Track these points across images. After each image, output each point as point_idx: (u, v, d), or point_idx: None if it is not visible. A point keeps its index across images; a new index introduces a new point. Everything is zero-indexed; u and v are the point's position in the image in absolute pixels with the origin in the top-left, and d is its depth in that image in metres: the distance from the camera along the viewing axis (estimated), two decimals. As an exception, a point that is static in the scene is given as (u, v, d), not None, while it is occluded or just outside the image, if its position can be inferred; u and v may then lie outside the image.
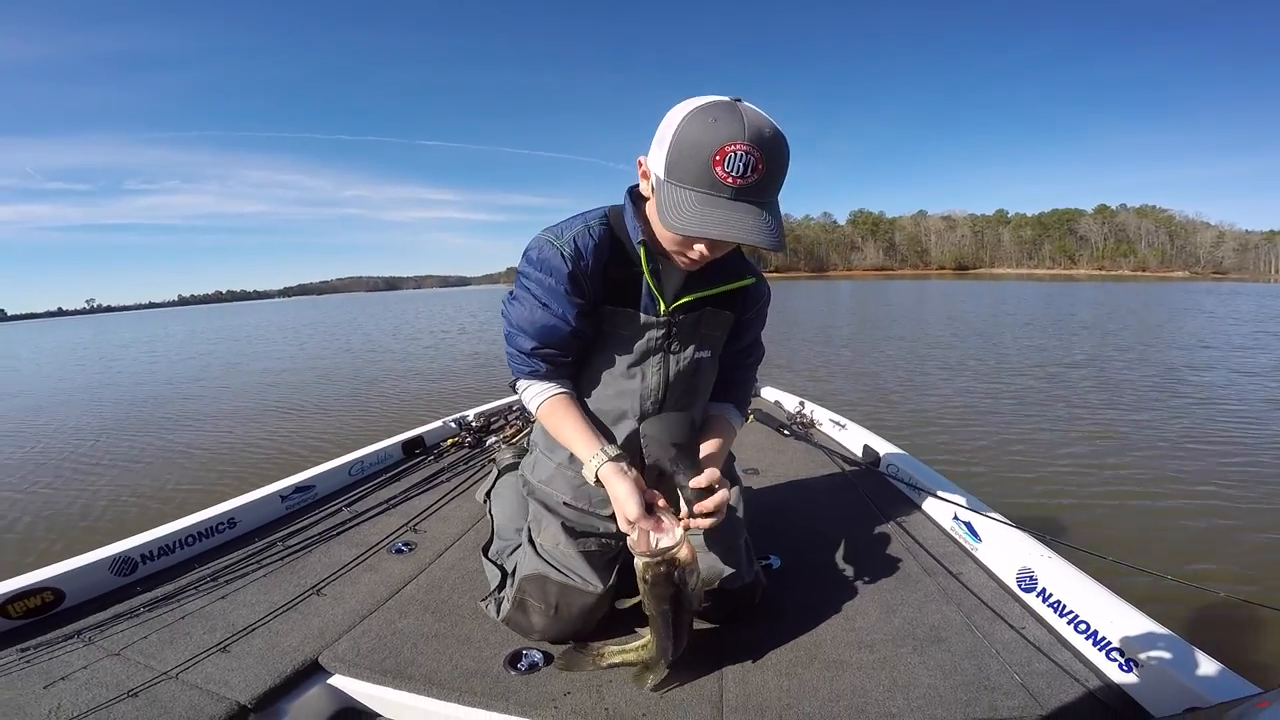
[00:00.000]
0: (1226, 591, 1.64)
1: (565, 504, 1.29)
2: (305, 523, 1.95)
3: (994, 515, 1.63)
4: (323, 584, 1.54)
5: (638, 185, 1.10)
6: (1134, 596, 1.25)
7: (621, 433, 1.21)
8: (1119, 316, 16.60)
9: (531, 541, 1.30)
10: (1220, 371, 7.67)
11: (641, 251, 1.09)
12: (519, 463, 1.57)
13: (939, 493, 1.83)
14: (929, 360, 9.05)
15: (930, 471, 2.04)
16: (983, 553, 1.59)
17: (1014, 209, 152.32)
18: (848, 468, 2.32)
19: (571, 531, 1.27)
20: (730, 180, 0.88)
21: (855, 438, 2.58)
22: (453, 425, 2.86)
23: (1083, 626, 1.21)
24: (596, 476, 1.11)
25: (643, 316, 1.15)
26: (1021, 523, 1.57)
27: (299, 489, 2.10)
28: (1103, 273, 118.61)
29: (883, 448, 2.34)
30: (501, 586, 1.37)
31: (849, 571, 1.56)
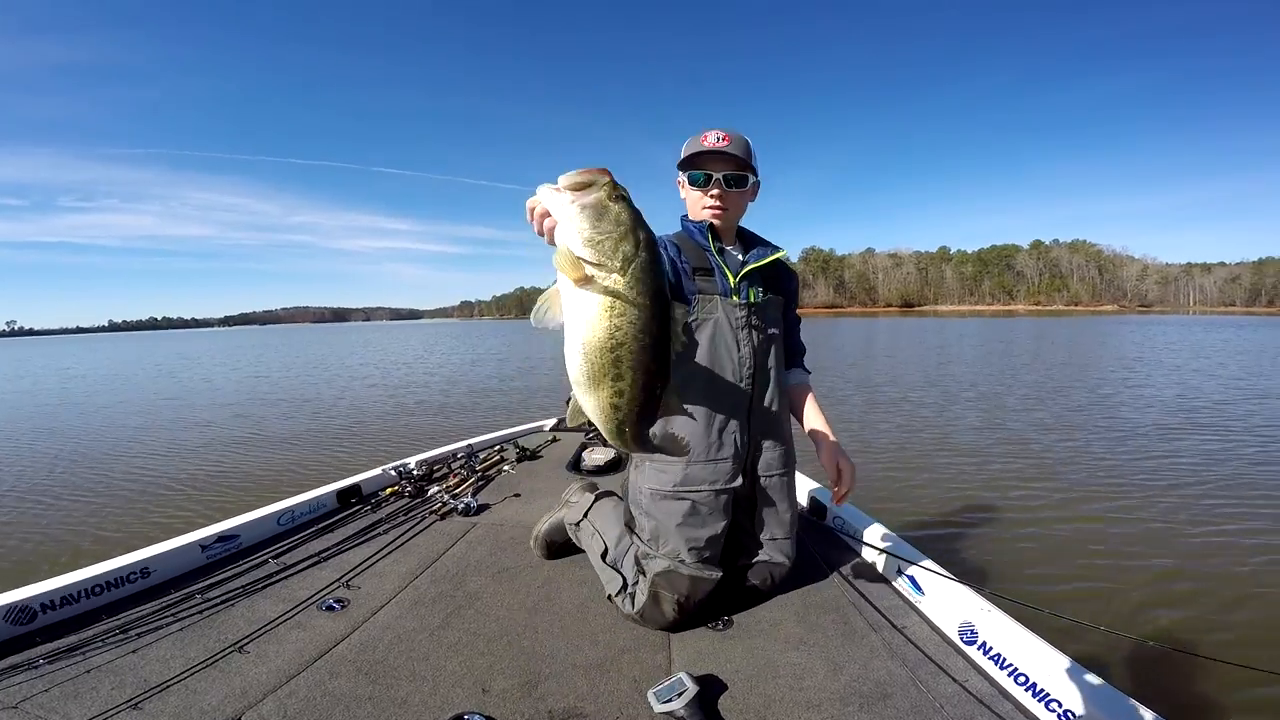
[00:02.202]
0: (1157, 641, 1.98)
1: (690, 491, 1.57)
2: (228, 574, 1.85)
3: (935, 568, 1.65)
4: (246, 640, 1.48)
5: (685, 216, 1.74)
6: (1072, 647, 1.34)
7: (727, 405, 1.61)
8: (1067, 357, 16.79)
9: (652, 551, 1.57)
10: (1163, 416, 7.43)
11: (709, 236, 1.65)
12: (613, 491, 1.97)
13: (883, 545, 1.85)
14: (877, 406, 8.65)
15: (875, 523, 2.00)
16: (925, 605, 1.60)
17: (955, 245, 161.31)
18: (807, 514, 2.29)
19: (690, 542, 1.54)
20: (708, 142, 1.59)
21: (801, 488, 2.47)
22: (392, 473, 2.70)
23: (1023, 679, 1.26)
24: None
25: (722, 300, 1.61)
26: (962, 574, 1.65)
27: (222, 538, 2.01)
28: (1039, 308, 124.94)
29: (826, 498, 2.26)
30: (625, 586, 1.59)
31: (798, 629, 1.55)
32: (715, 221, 1.66)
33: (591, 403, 0.98)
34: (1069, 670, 1.20)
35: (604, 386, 0.95)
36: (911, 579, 1.68)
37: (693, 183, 1.65)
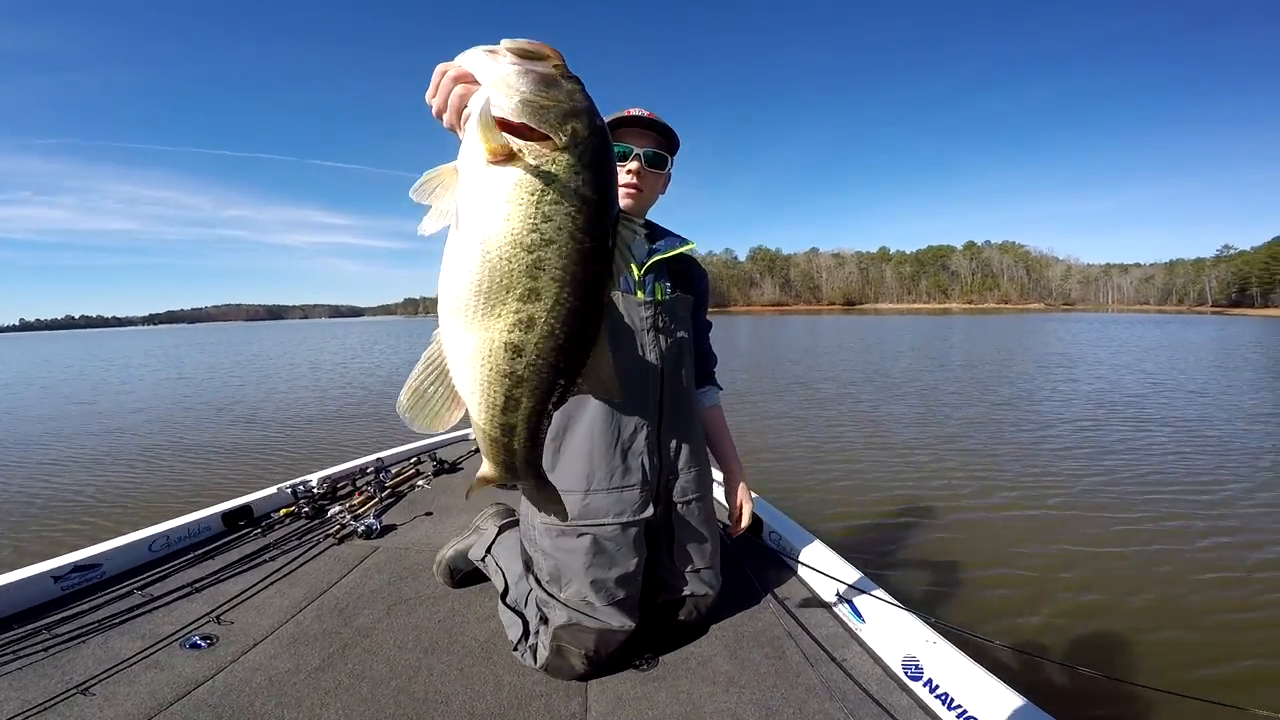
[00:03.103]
0: (1097, 672, 1.78)
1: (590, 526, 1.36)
2: (83, 608, 1.68)
3: (878, 592, 1.56)
4: (92, 682, 1.34)
5: None
6: (1026, 681, 1.47)
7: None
8: (1005, 356, 17.47)
9: (553, 595, 1.38)
10: (1111, 435, 7.76)
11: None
12: (517, 519, 1.70)
13: (822, 566, 1.73)
14: (818, 409, 8.70)
15: (814, 540, 1.91)
16: (867, 634, 1.50)
17: (895, 246, 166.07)
18: (728, 539, 2.08)
19: (597, 585, 1.34)
20: (632, 112, 1.37)
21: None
22: (288, 492, 2.46)
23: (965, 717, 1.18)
24: None
25: (624, 296, 1.39)
26: (907, 597, 1.56)
27: (79, 568, 1.81)
28: (972, 306, 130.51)
29: (765, 512, 2.13)
30: (526, 634, 1.41)
31: (729, 666, 1.42)
32: (628, 202, 1.40)
33: (472, 343, 0.65)
34: (1021, 711, 1.12)
35: (502, 313, 0.64)
36: (852, 605, 1.56)
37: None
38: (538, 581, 1.43)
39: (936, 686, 1.25)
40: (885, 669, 1.38)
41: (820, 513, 4.36)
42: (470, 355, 0.66)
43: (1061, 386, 10.86)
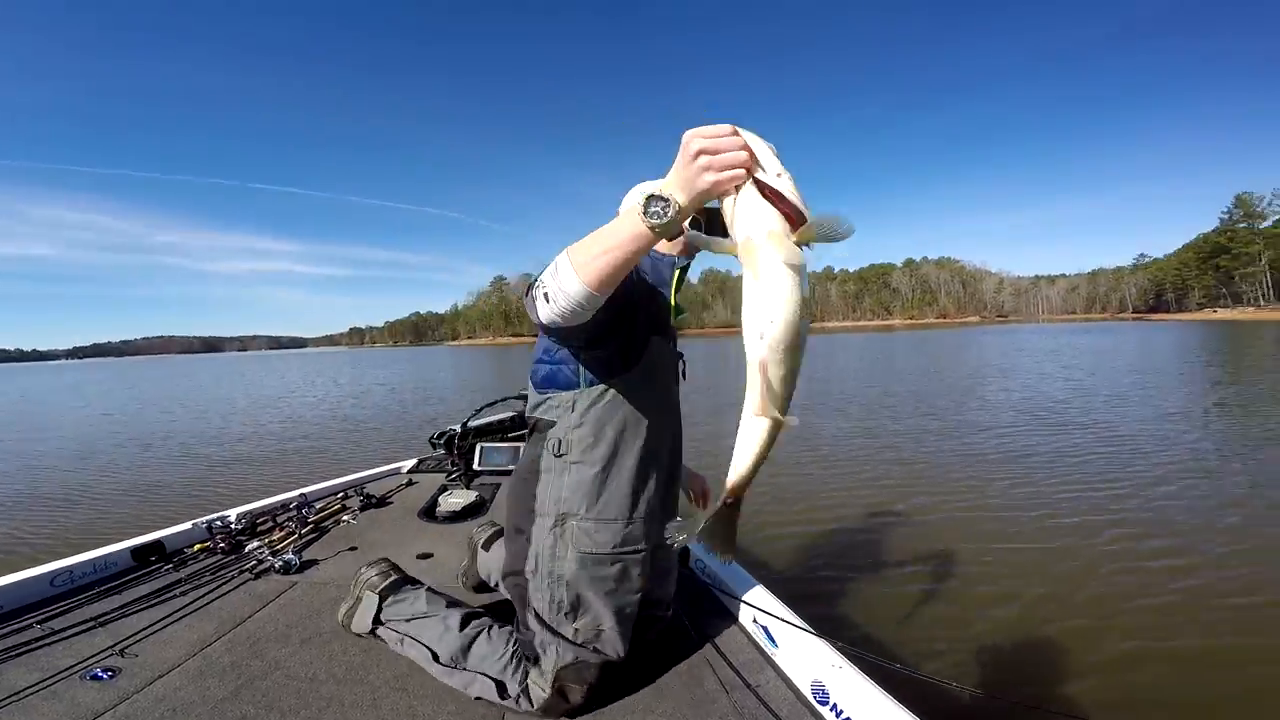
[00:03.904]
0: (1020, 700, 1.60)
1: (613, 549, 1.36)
2: None
3: (789, 617, 1.58)
4: None
5: None
6: (929, 706, 1.29)
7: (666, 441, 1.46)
8: (937, 375, 18.17)
9: (559, 631, 1.36)
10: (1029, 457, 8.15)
11: (675, 274, 1.37)
12: (402, 576, 1.68)
13: (742, 593, 1.76)
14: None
15: (738, 569, 1.90)
16: (781, 659, 1.54)
17: (839, 265, 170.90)
18: None
19: (618, 612, 1.37)
20: None
21: None
22: (204, 528, 2.40)
23: None
24: (660, 195, 0.88)
25: (664, 340, 1.43)
26: (820, 622, 1.63)
27: None
28: (914, 322, 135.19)
29: (693, 544, 2.08)
30: (502, 690, 1.36)
31: (647, 695, 1.44)
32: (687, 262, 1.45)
33: (792, 364, 0.86)
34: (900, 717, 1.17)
35: (804, 344, 0.87)
36: (766, 630, 1.61)
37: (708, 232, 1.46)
38: (540, 619, 1.38)
39: (841, 711, 1.29)
40: (797, 693, 1.42)
41: (751, 535, 4.42)
42: (790, 372, 0.87)
43: (992, 398, 11.41)
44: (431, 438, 3.48)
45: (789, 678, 1.47)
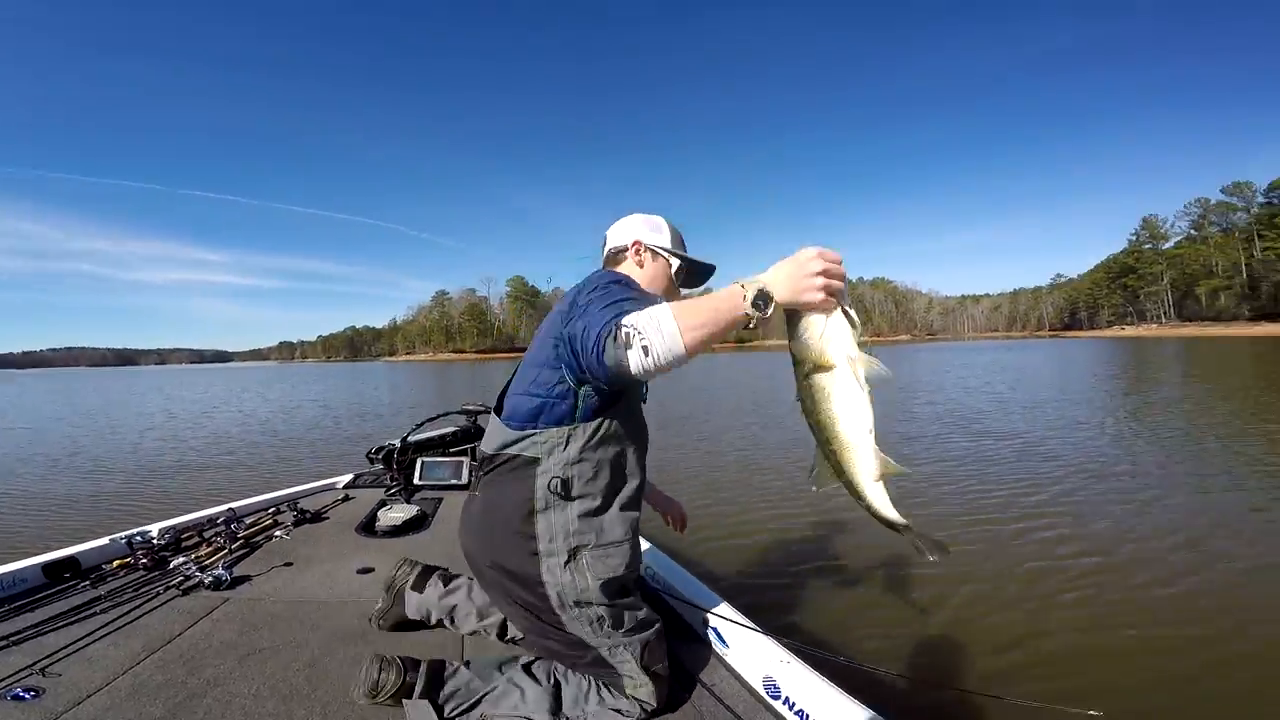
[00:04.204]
0: (960, 687, 1.97)
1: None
2: None
3: (736, 617, 1.64)
4: None
5: (620, 265, 1.56)
6: (874, 694, 1.47)
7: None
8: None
9: (614, 638, 1.37)
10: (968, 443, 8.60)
11: None
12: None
13: (691, 597, 1.81)
14: (708, 444, 9.00)
15: (684, 573, 1.97)
16: (733, 658, 1.58)
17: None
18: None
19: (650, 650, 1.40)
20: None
21: None
22: (123, 543, 2.28)
23: None
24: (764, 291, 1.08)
25: None
26: (766, 620, 1.69)
27: None
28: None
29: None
30: (622, 712, 1.36)
31: None
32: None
33: (869, 455, 1.09)
34: (851, 709, 1.24)
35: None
36: (717, 631, 1.66)
37: (686, 286, 1.63)
38: (593, 639, 1.39)
39: (794, 704, 1.35)
40: (751, 690, 1.47)
41: (694, 546, 4.50)
42: (870, 460, 1.09)
43: (919, 411, 11.95)
44: (369, 452, 3.40)
45: (742, 676, 1.52)
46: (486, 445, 1.45)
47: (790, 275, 1.06)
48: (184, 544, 2.38)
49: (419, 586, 1.77)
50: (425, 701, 1.33)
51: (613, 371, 1.07)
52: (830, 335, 1.08)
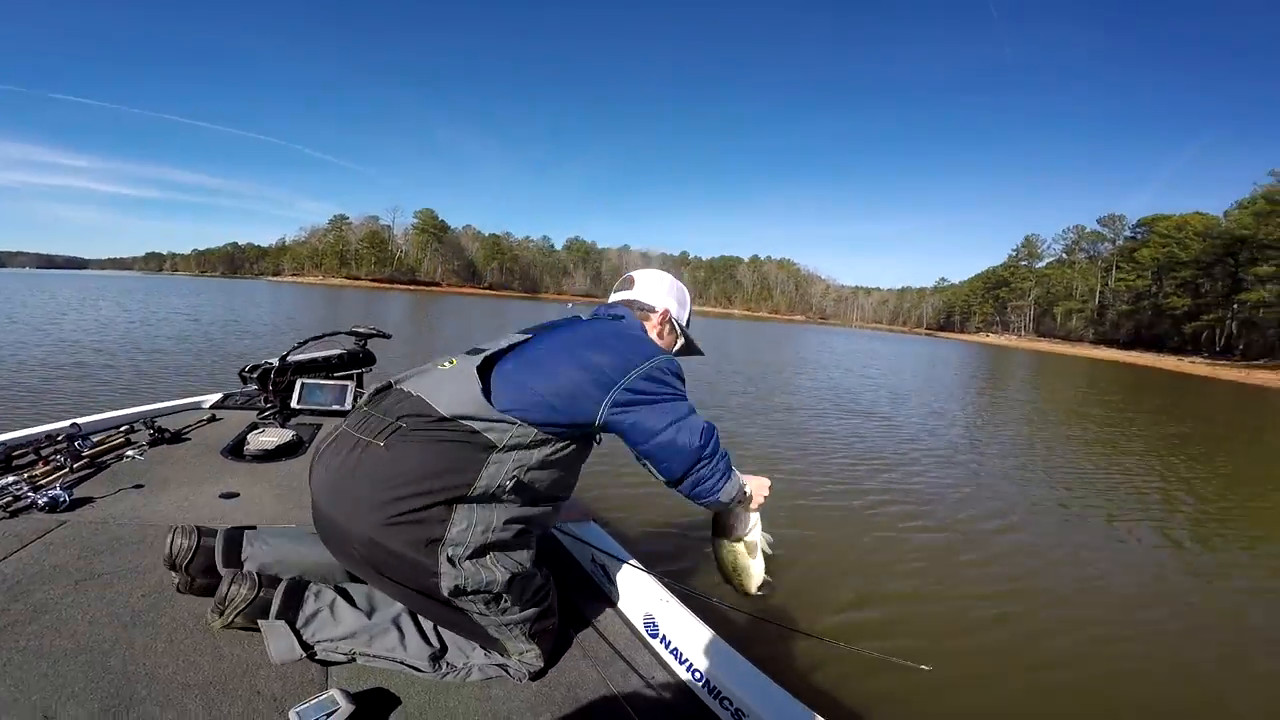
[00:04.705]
0: (820, 635, 2.25)
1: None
2: None
3: (622, 554, 1.71)
4: None
5: (645, 322, 1.57)
6: (737, 633, 1.72)
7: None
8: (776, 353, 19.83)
9: (502, 605, 1.28)
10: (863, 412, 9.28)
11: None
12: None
13: (582, 534, 1.85)
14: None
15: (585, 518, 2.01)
16: (617, 596, 1.64)
17: (694, 251, 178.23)
18: None
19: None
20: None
21: None
22: None
23: (697, 674, 1.34)
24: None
25: None
26: (648, 562, 1.72)
27: None
28: (750, 313, 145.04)
29: None
30: (507, 669, 1.31)
31: None
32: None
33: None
34: (727, 658, 1.31)
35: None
36: (604, 569, 1.71)
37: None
38: (475, 599, 1.26)
39: (670, 643, 1.42)
40: (631, 628, 1.54)
41: (591, 491, 4.61)
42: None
43: (803, 384, 12.75)
44: (242, 371, 3.09)
45: (624, 614, 1.59)
46: (435, 400, 1.23)
47: (759, 495, 1.53)
48: (15, 462, 2.11)
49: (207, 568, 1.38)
50: (282, 622, 1.22)
51: (690, 490, 1.37)
52: (751, 528, 1.55)
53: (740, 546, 1.55)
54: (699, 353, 1.71)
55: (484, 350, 1.33)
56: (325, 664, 1.26)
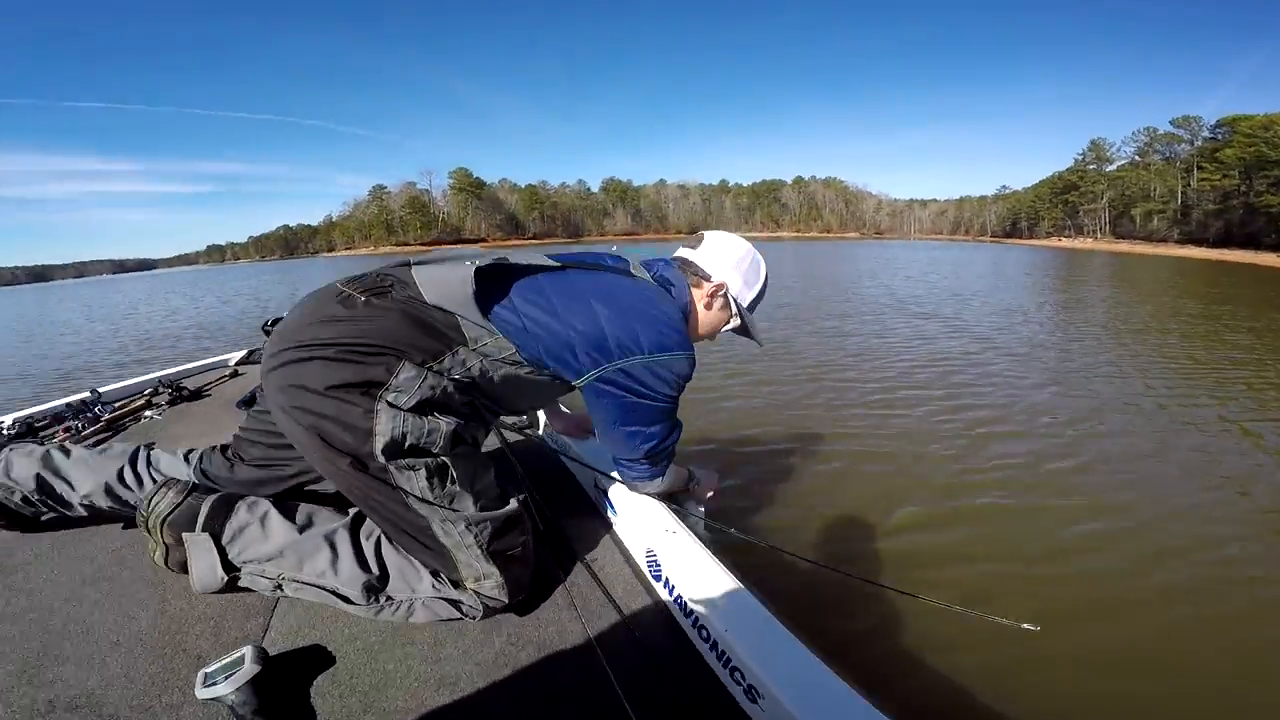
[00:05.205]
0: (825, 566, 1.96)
1: None
2: None
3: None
4: None
5: (694, 289, 1.36)
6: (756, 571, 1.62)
7: None
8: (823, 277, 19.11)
9: (456, 507, 1.09)
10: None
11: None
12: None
13: (588, 460, 1.62)
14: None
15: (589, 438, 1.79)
16: (620, 527, 1.44)
17: (733, 179, 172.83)
18: (513, 436, 2.01)
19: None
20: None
21: None
22: None
23: (706, 635, 1.04)
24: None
25: None
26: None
27: None
28: (800, 235, 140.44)
29: (542, 412, 2.00)
30: (459, 605, 1.11)
31: None
32: None
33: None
34: (751, 619, 1.02)
35: None
36: (606, 495, 1.49)
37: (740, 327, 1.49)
38: (423, 502, 1.10)
39: (674, 588, 1.17)
40: (634, 567, 1.31)
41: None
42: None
43: (857, 289, 12.18)
44: (264, 325, 3.00)
45: (626, 548, 1.38)
46: (425, 287, 1.12)
47: (707, 476, 1.59)
48: (41, 434, 2.06)
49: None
50: (206, 535, 1.12)
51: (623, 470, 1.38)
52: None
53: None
54: (755, 340, 1.49)
55: (505, 260, 1.22)
56: (248, 592, 1.15)
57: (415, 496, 1.05)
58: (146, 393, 2.50)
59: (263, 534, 1.13)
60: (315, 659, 1.03)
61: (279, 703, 0.92)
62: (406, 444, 1.02)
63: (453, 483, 1.07)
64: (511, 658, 1.05)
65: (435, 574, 1.12)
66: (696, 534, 1.29)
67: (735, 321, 1.43)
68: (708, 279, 1.36)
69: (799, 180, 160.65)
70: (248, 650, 0.94)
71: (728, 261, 1.39)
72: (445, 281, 1.13)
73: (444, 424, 1.05)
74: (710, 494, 1.61)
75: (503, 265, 1.20)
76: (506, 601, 1.12)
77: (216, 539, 1.12)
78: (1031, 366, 6.01)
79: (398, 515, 1.07)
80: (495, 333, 1.12)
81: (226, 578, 1.12)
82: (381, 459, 1.01)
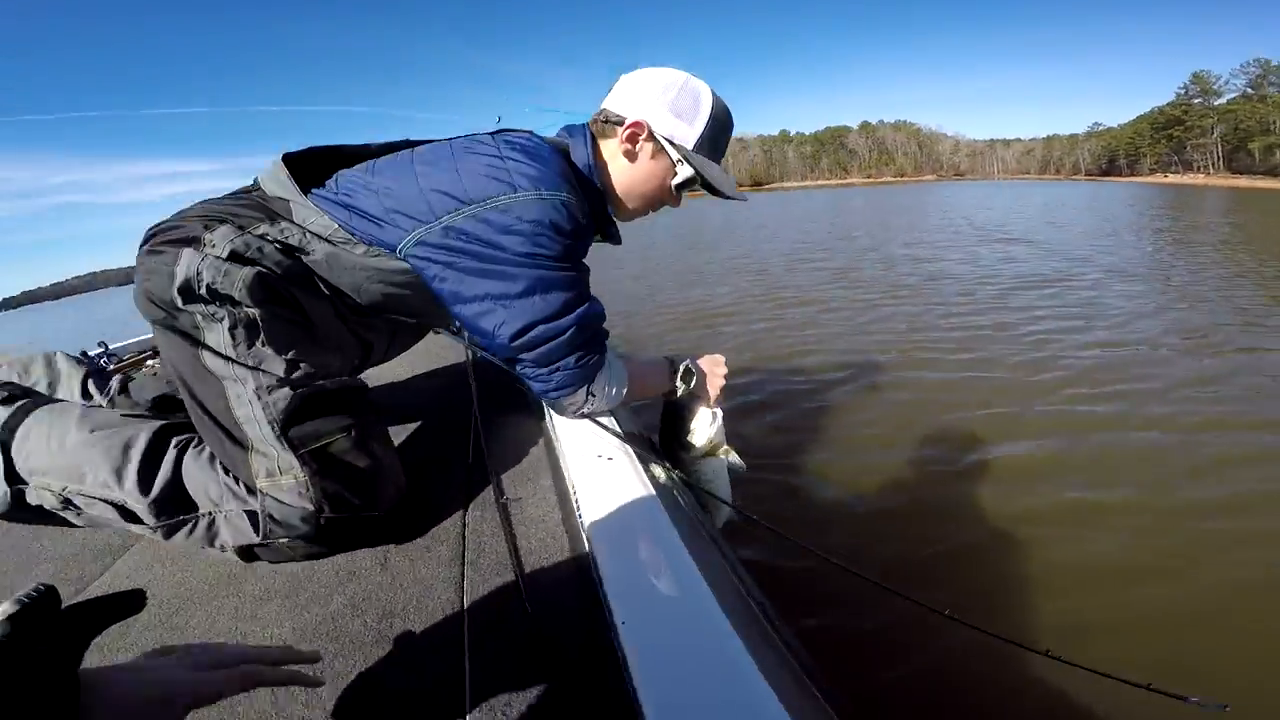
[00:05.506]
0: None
1: None
2: None
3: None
4: None
5: (604, 141, 1.09)
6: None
7: None
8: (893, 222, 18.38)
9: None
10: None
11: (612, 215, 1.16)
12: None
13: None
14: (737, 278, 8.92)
15: None
16: (561, 454, 1.08)
17: (794, 129, 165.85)
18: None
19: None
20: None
21: None
22: None
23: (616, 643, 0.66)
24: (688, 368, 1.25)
25: None
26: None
27: None
28: (872, 180, 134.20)
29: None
30: (256, 524, 0.87)
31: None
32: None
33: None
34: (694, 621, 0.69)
35: None
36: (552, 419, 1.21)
37: (706, 179, 1.09)
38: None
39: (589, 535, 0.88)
40: (561, 509, 0.99)
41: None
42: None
43: (932, 221, 11.77)
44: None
45: (566, 486, 1.00)
46: (266, 184, 1.02)
47: (713, 378, 1.29)
48: None
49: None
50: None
51: (551, 396, 1.09)
52: (719, 431, 1.26)
53: (696, 459, 1.27)
54: (723, 194, 1.11)
55: (332, 147, 1.11)
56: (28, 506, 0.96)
57: (212, 351, 0.88)
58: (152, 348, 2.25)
59: (49, 438, 0.92)
60: (106, 611, 0.67)
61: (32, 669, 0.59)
62: (203, 285, 0.86)
63: (263, 344, 0.89)
64: (333, 628, 0.76)
65: (233, 476, 0.90)
66: (664, 480, 1.04)
67: (683, 172, 1.08)
68: (619, 123, 1.05)
69: (866, 125, 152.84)
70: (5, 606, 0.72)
71: (646, 94, 1.06)
72: (273, 174, 1.02)
73: (248, 269, 0.88)
74: (718, 389, 1.29)
75: (329, 150, 1.09)
76: (313, 515, 0.87)
77: (5, 447, 0.93)
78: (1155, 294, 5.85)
79: (197, 385, 0.90)
80: (318, 210, 0.96)
81: (10, 491, 0.93)
82: (179, 299, 0.87)
